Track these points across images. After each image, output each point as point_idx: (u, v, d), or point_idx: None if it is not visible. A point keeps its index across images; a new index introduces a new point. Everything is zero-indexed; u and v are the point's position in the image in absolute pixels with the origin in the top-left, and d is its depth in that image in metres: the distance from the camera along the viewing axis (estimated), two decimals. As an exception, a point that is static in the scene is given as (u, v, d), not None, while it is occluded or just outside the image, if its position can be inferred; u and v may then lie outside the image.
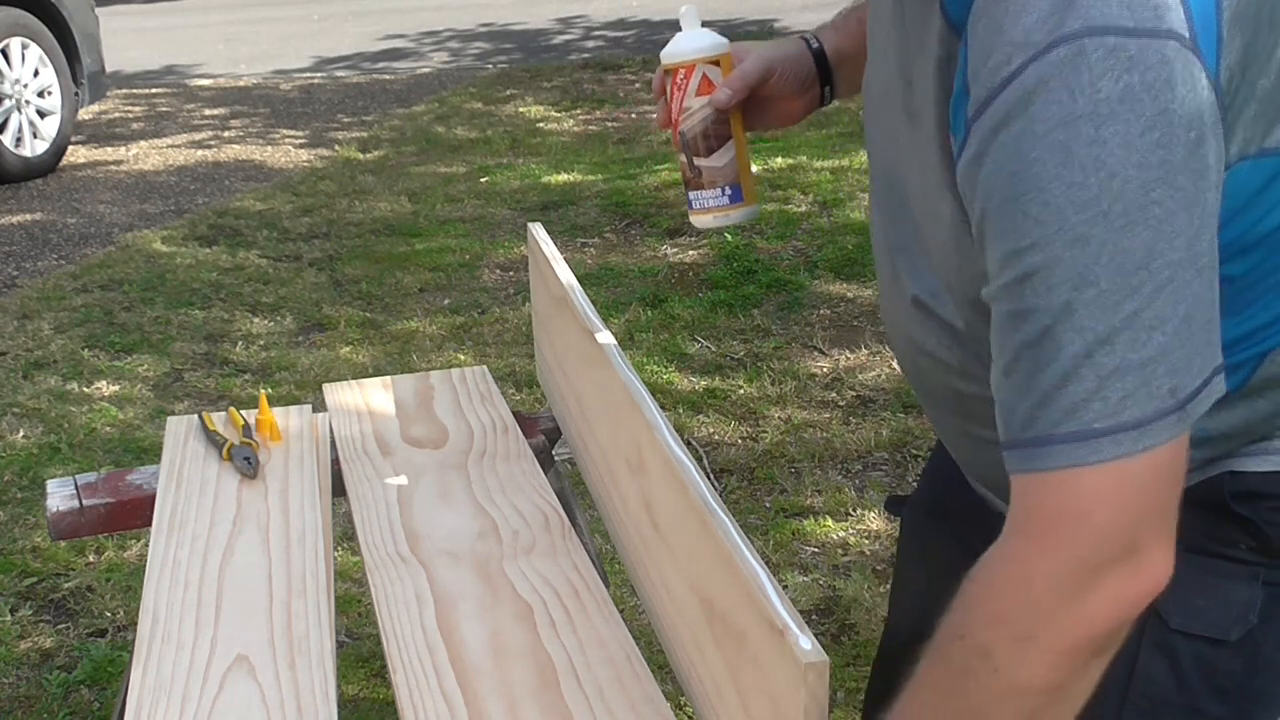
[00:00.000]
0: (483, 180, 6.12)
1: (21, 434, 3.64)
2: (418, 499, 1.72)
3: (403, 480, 1.77)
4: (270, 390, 3.83)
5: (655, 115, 1.41)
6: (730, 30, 8.88)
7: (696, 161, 1.36)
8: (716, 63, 1.34)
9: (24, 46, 6.42)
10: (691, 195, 1.38)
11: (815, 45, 1.41)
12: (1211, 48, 0.87)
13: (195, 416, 1.88)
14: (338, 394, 2.03)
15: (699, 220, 1.40)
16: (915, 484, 3.19)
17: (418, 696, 1.33)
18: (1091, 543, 0.89)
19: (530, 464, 1.81)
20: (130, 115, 8.27)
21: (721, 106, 1.34)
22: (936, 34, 0.98)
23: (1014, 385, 0.91)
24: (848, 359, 3.88)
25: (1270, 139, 0.94)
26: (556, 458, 1.92)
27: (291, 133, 7.50)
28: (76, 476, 1.82)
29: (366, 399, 2.01)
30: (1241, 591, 1.08)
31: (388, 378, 2.09)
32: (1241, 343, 1.02)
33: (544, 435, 1.91)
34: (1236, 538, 1.08)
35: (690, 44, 1.36)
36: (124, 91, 8.98)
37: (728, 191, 1.36)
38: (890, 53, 1.09)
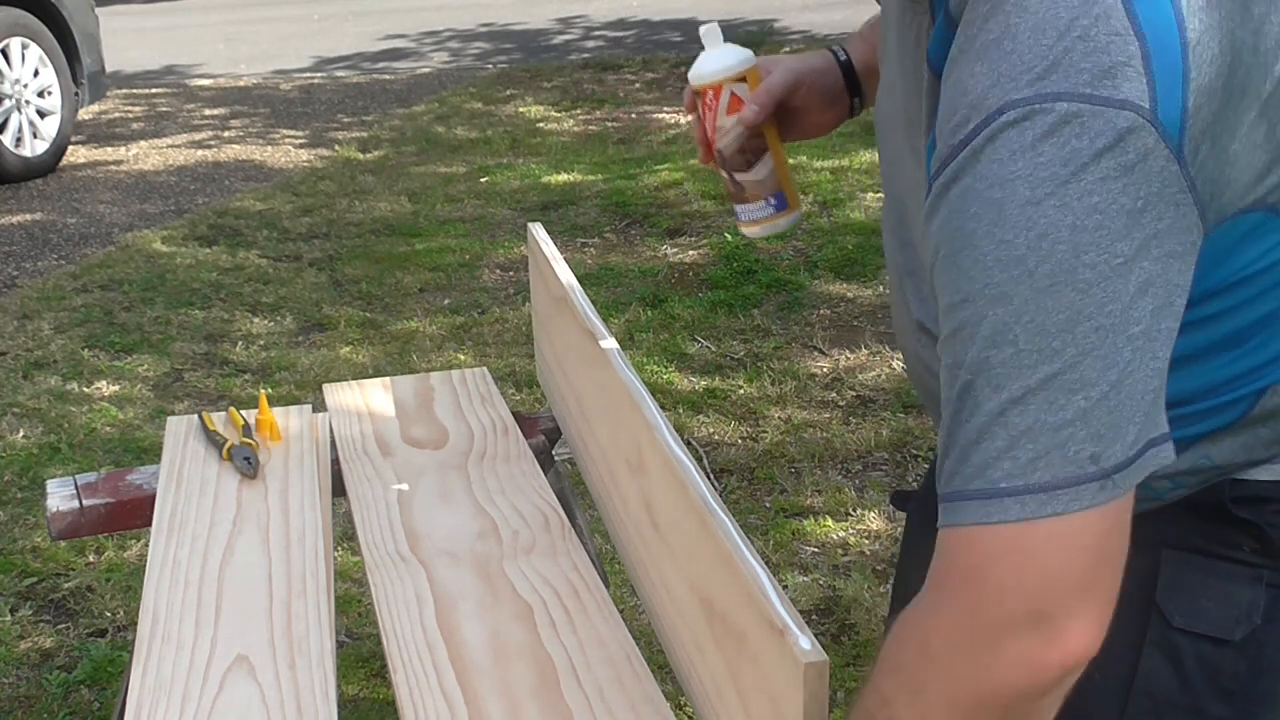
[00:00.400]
0: (483, 180, 6.12)
1: (21, 434, 3.64)
2: (418, 499, 1.72)
3: (404, 485, 1.77)
4: (270, 390, 3.83)
5: (691, 133, 1.45)
6: (730, 30, 8.88)
7: (738, 177, 1.38)
8: (744, 79, 1.35)
9: (24, 46, 6.42)
10: (738, 209, 1.41)
11: (843, 58, 1.41)
12: (1175, 120, 0.86)
13: (195, 416, 1.88)
14: (338, 394, 2.03)
15: (750, 231, 1.42)
16: (916, 485, 3.20)
17: (418, 695, 1.33)
18: (989, 602, 0.88)
19: (530, 465, 1.81)
20: (130, 115, 8.27)
21: (749, 124, 1.34)
22: (927, 85, 0.98)
23: (942, 440, 0.92)
24: (848, 359, 3.88)
25: (1249, 198, 0.93)
26: (556, 458, 1.92)
27: (291, 133, 7.50)
28: (76, 476, 1.82)
29: (366, 399, 2.01)
30: (1245, 592, 1.08)
31: (388, 378, 2.09)
32: (1242, 379, 1.01)
33: (544, 435, 1.91)
34: (1239, 540, 1.07)
35: (716, 64, 1.36)
36: (124, 91, 8.98)
37: (772, 201, 1.39)
38: (896, 88, 1.10)
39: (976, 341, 0.87)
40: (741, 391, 3.70)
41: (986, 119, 0.86)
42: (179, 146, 7.32)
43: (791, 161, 5.58)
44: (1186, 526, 0.93)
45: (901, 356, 1.22)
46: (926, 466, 3.24)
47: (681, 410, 3.59)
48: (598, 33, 10.14)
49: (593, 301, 1.68)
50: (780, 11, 9.72)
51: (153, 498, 1.70)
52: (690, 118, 1.42)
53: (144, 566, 1.55)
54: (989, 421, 0.87)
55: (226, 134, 7.57)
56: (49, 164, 6.66)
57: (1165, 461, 0.90)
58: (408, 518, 1.67)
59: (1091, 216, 0.84)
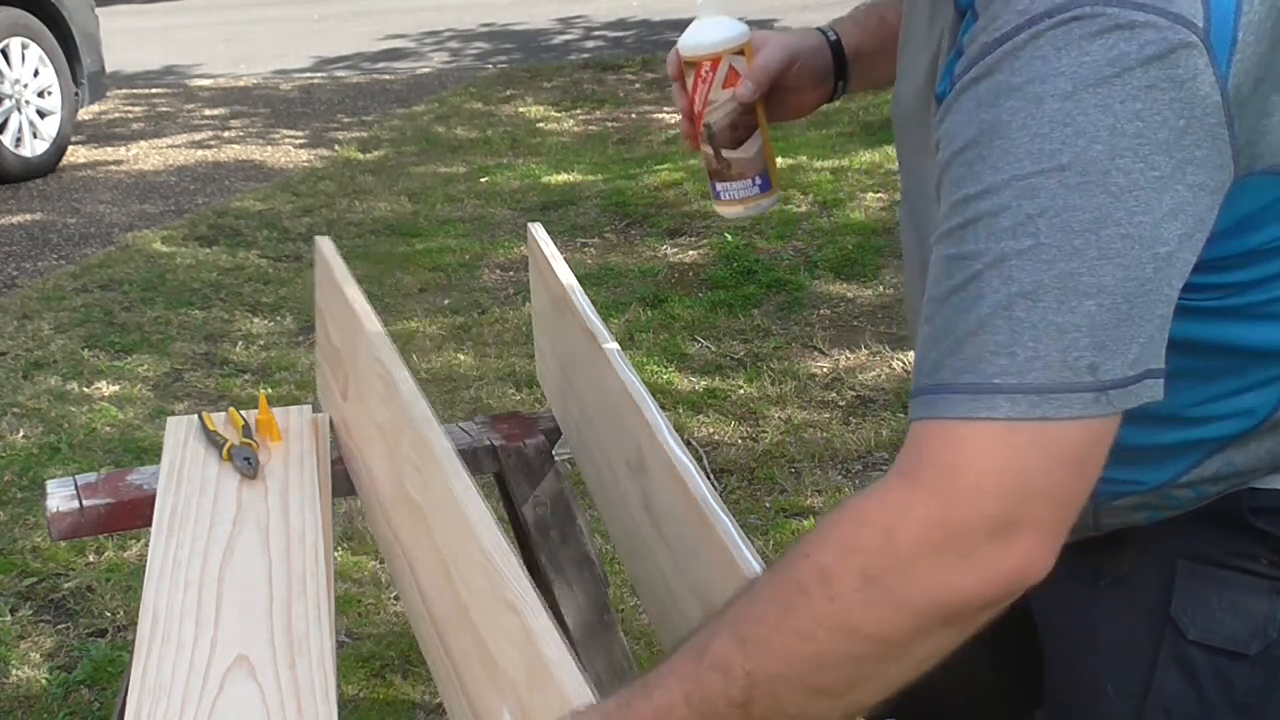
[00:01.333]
0: (483, 180, 6.12)
1: (21, 434, 3.64)
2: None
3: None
4: (270, 390, 3.83)
5: (677, 105, 1.36)
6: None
7: (725, 154, 1.32)
8: (741, 51, 1.29)
9: (24, 46, 6.42)
10: (720, 186, 1.35)
11: (833, 38, 1.37)
12: (1225, 48, 0.84)
13: (195, 417, 1.88)
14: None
15: (728, 210, 1.36)
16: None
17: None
18: (963, 502, 0.84)
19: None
20: (130, 115, 8.27)
21: (746, 100, 1.29)
22: (943, 22, 0.97)
23: (930, 331, 0.88)
24: (848, 359, 3.88)
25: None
26: (556, 458, 1.92)
27: (291, 133, 7.50)
28: (76, 476, 1.82)
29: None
30: (1261, 605, 1.06)
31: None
32: (1269, 382, 1.00)
33: (544, 435, 1.91)
34: (1256, 551, 1.06)
35: (715, 34, 1.29)
36: (124, 91, 8.98)
37: (757, 181, 1.33)
38: (922, 67, 1.07)
39: (995, 232, 0.84)
40: (741, 391, 3.70)
41: (1030, 20, 0.84)
42: (179, 146, 7.32)
43: (791, 161, 5.56)
44: (1203, 537, 0.91)
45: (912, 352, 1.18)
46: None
47: (681, 410, 3.58)
48: (598, 33, 10.14)
49: (593, 301, 1.68)
50: (780, 11, 9.72)
51: (153, 498, 1.70)
52: (674, 86, 1.35)
53: (144, 566, 1.55)
54: (992, 313, 0.84)
55: (226, 134, 7.57)
56: (49, 164, 6.66)
57: (1157, 397, 0.87)
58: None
59: (1132, 123, 0.82)
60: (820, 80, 1.37)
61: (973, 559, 0.84)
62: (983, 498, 0.84)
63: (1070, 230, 0.82)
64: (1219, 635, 1.06)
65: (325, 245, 1.85)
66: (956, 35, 0.94)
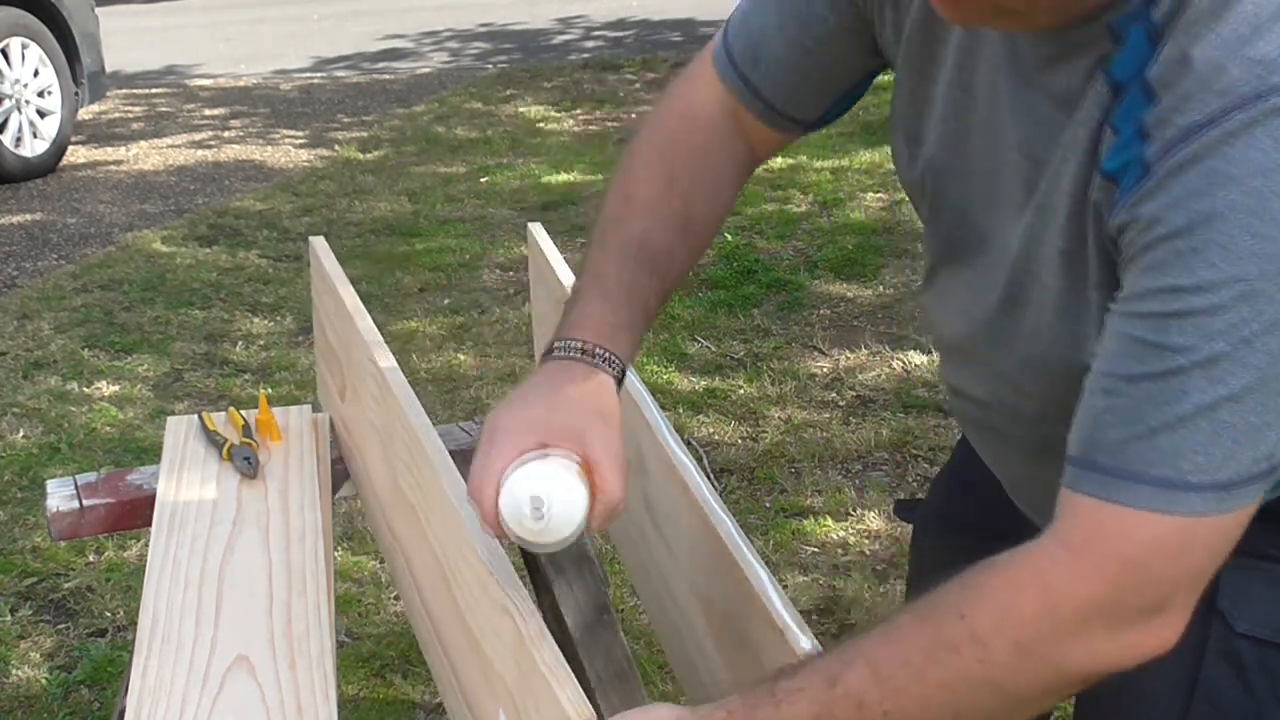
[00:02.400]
0: (483, 180, 6.12)
1: (21, 434, 3.64)
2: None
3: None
4: (270, 390, 3.83)
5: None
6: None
7: None
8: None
9: (24, 46, 6.42)
10: None
11: (618, 370, 1.12)
12: None
13: (195, 416, 1.88)
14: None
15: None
16: (916, 485, 3.20)
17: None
18: (1136, 589, 0.88)
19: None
20: (130, 115, 8.27)
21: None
22: (1092, 100, 0.94)
23: (1114, 407, 0.89)
24: (848, 359, 3.88)
25: None
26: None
27: (291, 133, 7.50)
28: (76, 476, 1.82)
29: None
30: None
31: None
32: None
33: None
34: None
35: (554, 535, 1.02)
36: (124, 91, 8.98)
37: None
38: (998, 126, 1.05)
39: (1207, 332, 0.84)
40: (741, 391, 3.70)
41: (1240, 104, 0.83)
42: (179, 146, 7.32)
43: (791, 161, 5.55)
44: (1250, 531, 0.92)
45: (967, 407, 1.23)
46: (927, 467, 3.24)
47: (681, 410, 3.58)
48: (598, 33, 10.14)
49: (593, 301, 1.68)
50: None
51: (153, 498, 1.70)
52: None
53: (144, 566, 1.55)
54: (1195, 413, 0.85)
55: (226, 134, 7.57)
56: (49, 164, 6.65)
57: None
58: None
59: None
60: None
61: (1124, 636, 0.89)
62: (1150, 587, 0.88)
63: None
64: (1268, 628, 1.07)
65: (319, 245, 1.84)
66: (1107, 109, 0.92)
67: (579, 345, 1.09)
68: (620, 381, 1.11)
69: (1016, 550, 0.92)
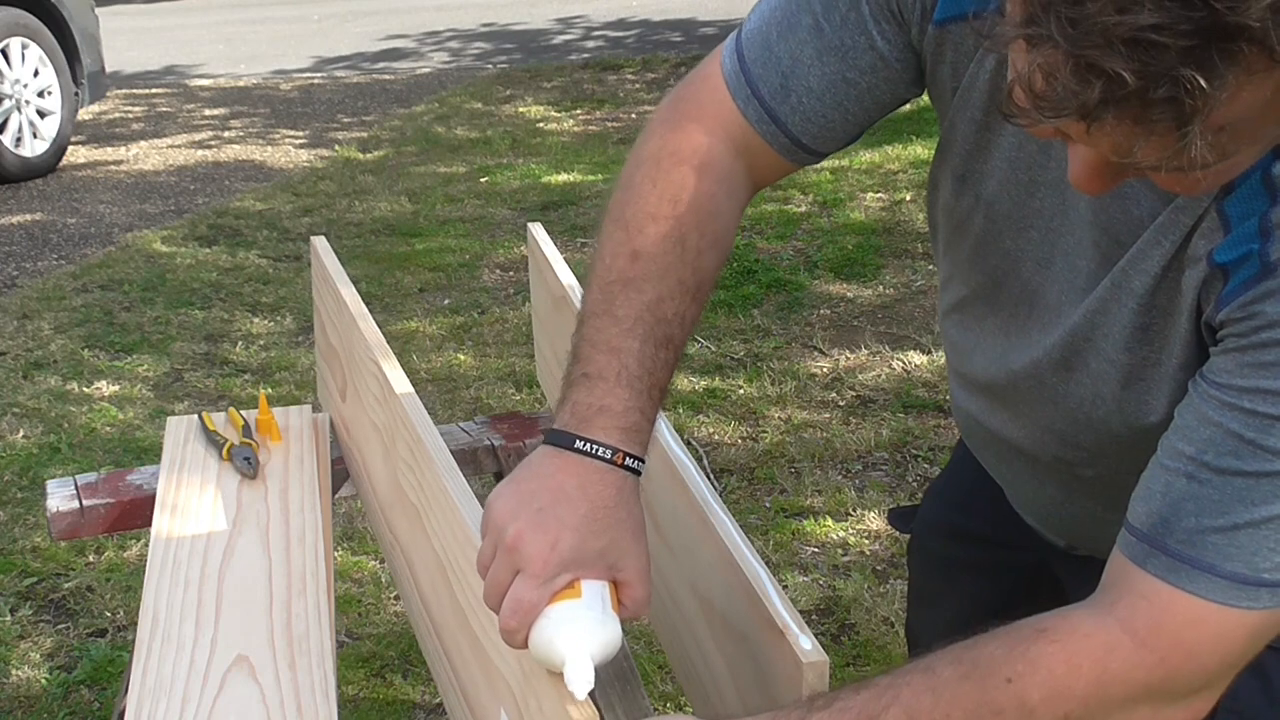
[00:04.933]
0: (483, 180, 6.12)
1: (21, 434, 3.64)
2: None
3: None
4: (270, 390, 3.83)
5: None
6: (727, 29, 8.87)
7: None
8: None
9: (24, 46, 6.42)
10: None
11: (640, 467, 1.07)
12: None
13: (195, 416, 1.88)
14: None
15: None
16: (916, 485, 3.20)
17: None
18: (1187, 675, 0.90)
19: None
20: (130, 115, 8.27)
21: None
22: (1187, 202, 0.94)
23: (1198, 495, 0.89)
24: (848, 359, 3.88)
25: None
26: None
27: (291, 133, 7.50)
28: (76, 476, 1.82)
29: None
30: None
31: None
32: None
33: (544, 435, 1.91)
34: None
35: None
36: (124, 91, 8.98)
37: None
38: (1051, 191, 1.04)
39: None
40: (741, 391, 3.70)
41: None
42: (179, 146, 7.32)
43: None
44: None
45: (995, 441, 1.22)
46: (927, 467, 3.24)
47: (681, 410, 3.58)
48: (598, 33, 10.14)
49: (593, 301, 1.68)
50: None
51: (153, 498, 1.70)
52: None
53: (144, 566, 1.55)
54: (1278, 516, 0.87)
55: (226, 134, 7.57)
56: (49, 164, 6.65)
57: None
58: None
59: None
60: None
61: (1163, 712, 0.91)
62: (1200, 674, 0.90)
63: None
64: None
65: (320, 245, 1.84)
66: (1218, 200, 0.92)
67: (609, 450, 1.03)
68: (640, 475, 1.06)
69: (1073, 620, 0.93)
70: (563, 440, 1.03)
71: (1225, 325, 0.91)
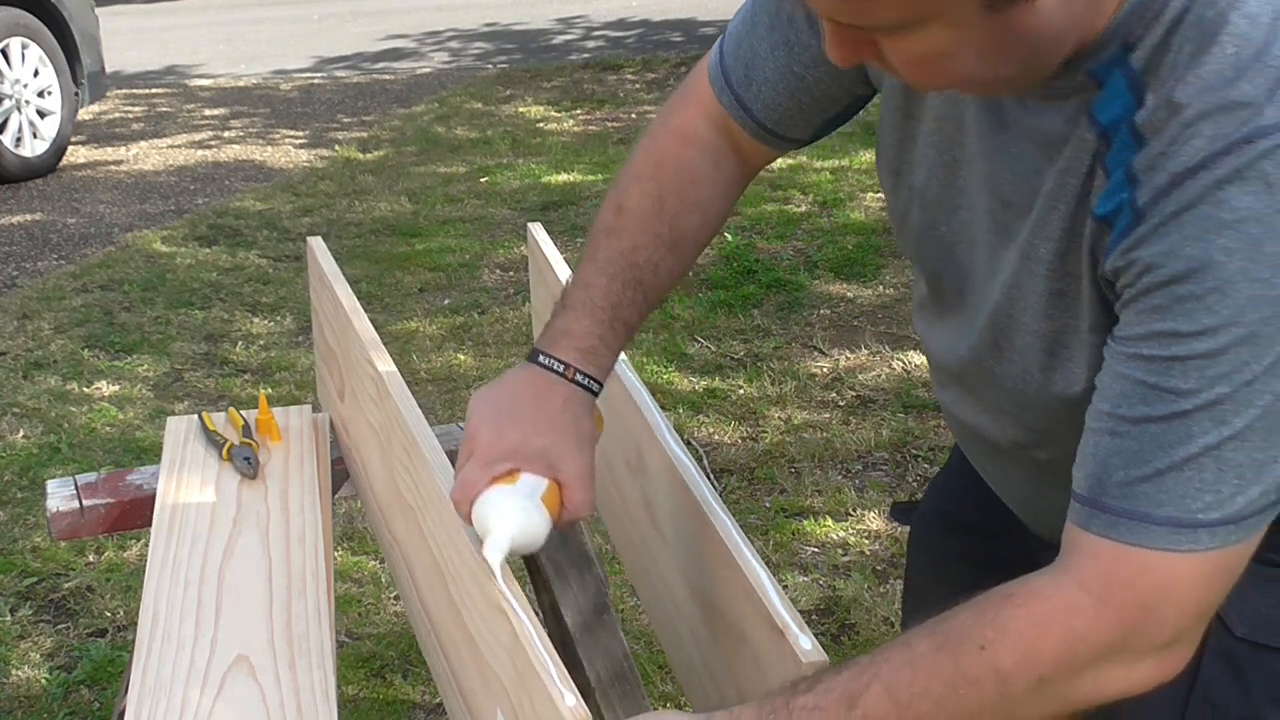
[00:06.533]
0: (483, 180, 6.12)
1: (21, 434, 3.64)
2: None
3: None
4: (270, 390, 3.83)
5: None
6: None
7: None
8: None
9: (24, 46, 6.42)
10: None
11: (597, 387, 1.21)
12: None
13: (195, 416, 1.88)
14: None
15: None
16: (916, 485, 3.20)
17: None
18: (1154, 627, 0.91)
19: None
20: (130, 115, 8.27)
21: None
22: (1077, 145, 0.95)
23: (1120, 449, 0.90)
24: (848, 359, 3.88)
25: None
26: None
27: (291, 133, 7.50)
28: (76, 476, 1.82)
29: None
30: None
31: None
32: None
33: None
34: None
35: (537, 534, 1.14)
36: (124, 91, 8.98)
37: None
38: (969, 168, 1.06)
39: (1209, 376, 0.86)
40: (741, 391, 3.70)
41: (1228, 147, 0.84)
42: (179, 146, 7.32)
43: (791, 161, 5.54)
44: None
45: (964, 430, 1.25)
46: (927, 467, 3.24)
47: (681, 410, 3.58)
48: (598, 33, 10.14)
49: (593, 301, 1.68)
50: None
51: (153, 498, 1.70)
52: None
53: (144, 566, 1.55)
54: (1201, 454, 0.87)
55: (226, 134, 7.57)
56: (49, 164, 6.65)
57: None
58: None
59: None
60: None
61: (1136, 668, 0.92)
62: (1167, 625, 0.91)
63: None
64: (1265, 632, 1.08)
65: (317, 245, 1.84)
66: (1097, 155, 0.93)
67: (562, 364, 1.17)
68: (597, 395, 1.20)
69: (1035, 584, 0.94)
70: (531, 356, 1.19)
71: (1116, 278, 0.92)
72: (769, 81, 1.18)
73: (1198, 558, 0.89)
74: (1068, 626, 0.91)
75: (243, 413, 1.87)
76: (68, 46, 6.69)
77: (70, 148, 6.96)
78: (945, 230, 1.12)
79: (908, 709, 0.92)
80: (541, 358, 1.18)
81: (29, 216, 5.95)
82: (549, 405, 1.16)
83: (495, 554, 1.10)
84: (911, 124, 1.11)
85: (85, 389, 3.94)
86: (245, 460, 1.74)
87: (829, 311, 4.25)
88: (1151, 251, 0.88)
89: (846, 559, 2.88)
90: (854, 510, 3.06)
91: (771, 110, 1.20)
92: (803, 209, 5.24)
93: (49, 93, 6.59)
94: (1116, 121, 0.91)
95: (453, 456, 1.35)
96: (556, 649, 1.05)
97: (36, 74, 6.50)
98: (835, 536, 2.97)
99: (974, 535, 1.40)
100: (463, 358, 4.04)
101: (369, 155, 6.79)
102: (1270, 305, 0.84)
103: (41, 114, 6.57)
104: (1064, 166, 0.96)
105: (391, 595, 2.83)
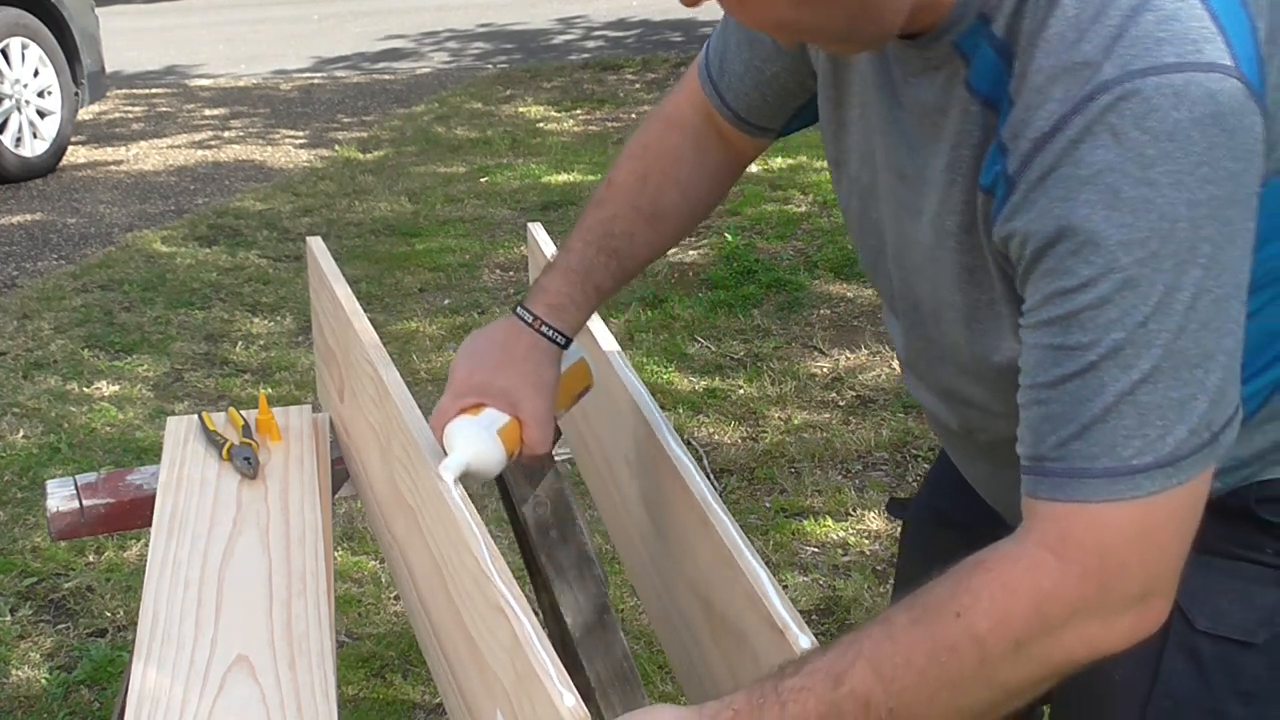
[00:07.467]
0: (483, 180, 6.12)
1: (21, 434, 3.64)
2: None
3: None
4: (270, 390, 3.83)
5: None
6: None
7: None
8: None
9: (24, 46, 6.42)
10: None
11: (562, 341, 1.33)
12: (1254, 72, 0.87)
13: (195, 417, 1.88)
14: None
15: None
16: (916, 485, 3.20)
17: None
18: (1119, 578, 0.91)
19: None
20: (130, 115, 8.27)
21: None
22: (961, 118, 0.98)
23: (1048, 414, 0.92)
24: (848, 359, 3.88)
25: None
26: (556, 458, 1.91)
27: (291, 133, 7.50)
28: (76, 476, 1.82)
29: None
30: (1269, 595, 1.09)
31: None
32: (1271, 366, 1.03)
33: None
34: (1263, 542, 1.08)
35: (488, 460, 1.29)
36: (124, 91, 8.98)
37: None
38: (874, 152, 1.09)
39: (1102, 324, 0.88)
40: (741, 391, 3.70)
41: (1075, 107, 0.87)
42: (179, 146, 7.32)
43: (791, 161, 5.55)
44: (1210, 529, 0.94)
45: (929, 417, 1.30)
46: (927, 467, 3.24)
47: (681, 410, 3.59)
48: (598, 33, 10.14)
49: (593, 301, 1.68)
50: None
51: (153, 498, 1.70)
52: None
53: (144, 566, 1.55)
54: (1117, 401, 0.88)
55: (226, 134, 7.57)
56: (49, 164, 6.65)
57: (1241, 418, 0.93)
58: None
59: (1204, 188, 0.85)
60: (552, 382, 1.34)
61: (1114, 624, 0.92)
62: (1130, 574, 0.91)
63: (1174, 311, 0.87)
64: (1226, 625, 1.09)
65: (316, 245, 1.84)
66: (989, 127, 0.96)
67: (532, 316, 1.31)
68: (564, 348, 1.32)
69: (1002, 550, 0.95)
70: (514, 308, 1.34)
71: (1006, 249, 0.95)
72: (737, 74, 1.28)
73: (1143, 504, 0.89)
74: (1035, 587, 0.92)
75: (243, 413, 1.87)
76: (68, 46, 6.69)
77: (70, 148, 6.96)
78: (876, 216, 1.14)
79: (892, 681, 0.93)
80: (519, 310, 1.33)
81: (29, 216, 5.95)
82: (515, 350, 1.30)
83: (448, 472, 1.25)
84: (841, 112, 1.15)
85: (85, 389, 3.94)
86: (245, 460, 1.74)
87: (829, 311, 4.25)
88: (1026, 220, 0.90)
89: (846, 559, 2.88)
90: (854, 510, 3.06)
91: (741, 100, 1.29)
92: (803, 209, 5.24)
93: (49, 93, 6.59)
94: (997, 91, 0.94)
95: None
96: (556, 649, 1.05)
97: (36, 74, 6.50)
98: (835, 536, 2.97)
99: (961, 529, 1.41)
100: (463, 358, 4.04)
101: (369, 155, 6.79)
102: (1140, 247, 0.86)
103: (41, 114, 6.57)
104: (955, 140, 0.98)
105: (391, 595, 2.83)
